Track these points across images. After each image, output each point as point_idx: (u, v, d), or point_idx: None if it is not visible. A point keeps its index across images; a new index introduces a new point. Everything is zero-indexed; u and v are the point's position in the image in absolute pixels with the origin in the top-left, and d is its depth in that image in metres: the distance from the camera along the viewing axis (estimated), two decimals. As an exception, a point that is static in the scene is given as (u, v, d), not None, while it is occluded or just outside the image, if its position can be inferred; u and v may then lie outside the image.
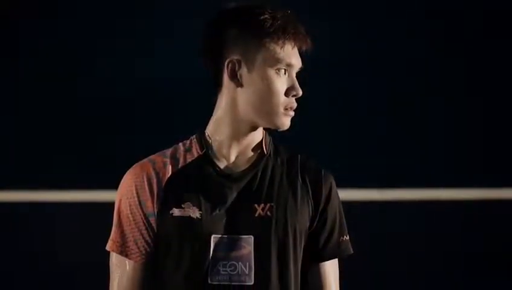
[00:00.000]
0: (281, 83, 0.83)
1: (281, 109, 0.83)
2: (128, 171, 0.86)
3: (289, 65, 0.83)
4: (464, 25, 2.98)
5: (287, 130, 0.87)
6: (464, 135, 2.98)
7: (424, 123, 2.98)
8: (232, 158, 0.85)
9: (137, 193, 0.83)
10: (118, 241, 0.84)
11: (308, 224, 0.85)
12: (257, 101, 0.82)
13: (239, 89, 0.83)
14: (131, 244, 0.83)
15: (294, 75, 0.85)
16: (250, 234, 0.81)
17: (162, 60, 3.05)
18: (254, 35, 0.81)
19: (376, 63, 2.97)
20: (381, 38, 2.99)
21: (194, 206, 0.81)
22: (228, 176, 0.84)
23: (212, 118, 0.88)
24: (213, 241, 0.80)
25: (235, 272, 0.80)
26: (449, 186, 2.95)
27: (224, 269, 0.80)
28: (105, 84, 3.02)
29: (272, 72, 0.82)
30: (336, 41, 2.88)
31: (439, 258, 2.94)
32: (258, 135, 0.87)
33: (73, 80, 3.02)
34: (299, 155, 0.90)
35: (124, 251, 0.83)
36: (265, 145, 0.87)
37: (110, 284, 0.85)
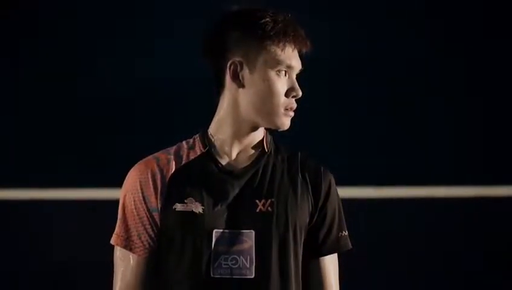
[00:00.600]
0: (281, 84, 0.85)
1: (281, 110, 0.86)
2: (133, 168, 0.89)
3: (289, 67, 0.86)
4: (464, 25, 3.00)
5: (287, 129, 0.89)
6: (462, 134, 3.00)
7: (423, 122, 3.00)
8: (234, 156, 0.88)
9: (141, 189, 0.86)
10: (122, 236, 0.86)
11: (308, 220, 0.88)
12: (258, 102, 0.85)
13: (241, 89, 0.86)
14: (135, 238, 0.85)
15: (294, 76, 0.88)
16: (252, 229, 0.83)
17: (162, 60, 3.07)
18: (256, 37, 0.84)
19: (376, 63, 2.99)
20: (381, 39, 3.01)
21: (196, 201, 0.84)
22: (230, 173, 0.86)
23: (214, 117, 0.90)
24: (215, 235, 0.83)
25: (236, 266, 0.82)
26: (448, 184, 2.97)
27: (225, 262, 0.82)
28: (105, 84, 3.04)
29: (272, 73, 0.85)
30: (336, 41, 2.90)
31: (438, 256, 2.95)
32: (259, 134, 0.90)
33: (73, 80, 3.04)
34: (299, 153, 0.92)
35: (128, 245, 0.85)
36: (266, 143, 0.90)
37: (114, 277, 0.87)
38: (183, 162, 0.88)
